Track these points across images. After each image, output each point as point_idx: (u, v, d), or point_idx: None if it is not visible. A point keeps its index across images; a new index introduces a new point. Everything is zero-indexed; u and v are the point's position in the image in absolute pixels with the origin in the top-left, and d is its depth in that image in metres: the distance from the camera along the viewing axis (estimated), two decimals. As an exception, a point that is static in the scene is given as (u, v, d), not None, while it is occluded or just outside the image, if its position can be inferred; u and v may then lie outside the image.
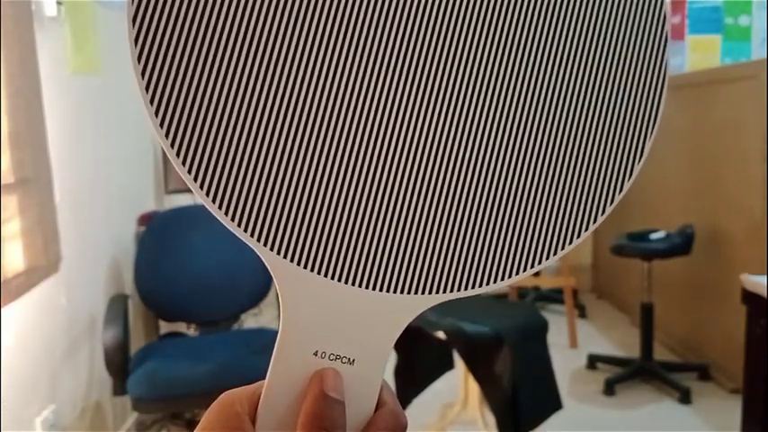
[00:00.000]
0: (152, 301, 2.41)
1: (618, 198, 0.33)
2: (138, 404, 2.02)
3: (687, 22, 4.38)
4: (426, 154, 0.31)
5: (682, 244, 2.87)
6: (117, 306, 2.15)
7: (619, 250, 2.97)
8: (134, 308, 2.45)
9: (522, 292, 4.04)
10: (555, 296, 4.01)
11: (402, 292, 0.31)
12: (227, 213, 0.31)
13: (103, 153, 2.39)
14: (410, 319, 0.32)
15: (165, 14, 0.30)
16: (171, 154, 0.30)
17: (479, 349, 2.02)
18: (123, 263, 2.52)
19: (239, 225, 0.31)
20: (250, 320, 3.03)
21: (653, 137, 0.33)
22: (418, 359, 2.23)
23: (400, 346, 2.20)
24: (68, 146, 2.11)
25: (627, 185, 0.33)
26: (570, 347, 3.38)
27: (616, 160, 0.33)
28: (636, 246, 2.93)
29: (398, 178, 0.31)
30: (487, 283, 0.32)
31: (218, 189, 0.30)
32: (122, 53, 2.28)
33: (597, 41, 0.32)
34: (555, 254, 0.32)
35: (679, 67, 4.38)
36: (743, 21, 4.36)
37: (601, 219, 0.33)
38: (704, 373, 2.94)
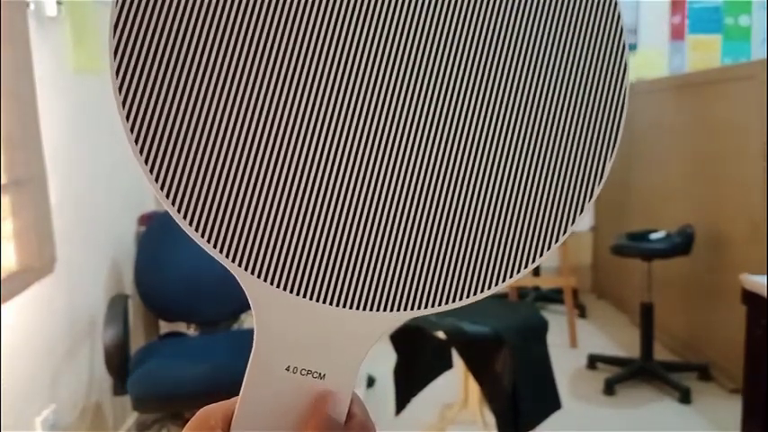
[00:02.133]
0: (152, 301, 2.41)
1: (586, 206, 0.33)
2: (138, 404, 2.02)
3: (687, 22, 4.38)
4: (395, 175, 0.32)
5: (682, 244, 2.87)
6: (117, 306, 2.15)
7: (619, 250, 2.97)
8: (134, 308, 2.45)
9: (522, 292, 4.04)
10: (555, 296, 4.01)
11: (370, 309, 0.32)
12: (200, 233, 0.31)
13: (104, 153, 2.39)
14: (380, 335, 0.32)
15: (143, 38, 0.31)
16: (150, 179, 0.31)
17: (479, 349, 2.02)
18: (123, 263, 2.52)
19: (213, 245, 0.31)
20: (250, 320, 3.03)
21: (612, 158, 0.33)
22: (418, 359, 2.23)
23: (400, 345, 2.20)
24: (69, 146, 2.11)
25: (593, 196, 0.33)
26: (570, 347, 3.38)
27: (578, 178, 0.33)
28: (636, 246, 2.93)
29: (365, 200, 0.32)
30: (454, 300, 0.32)
31: (192, 209, 0.31)
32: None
33: (558, 61, 0.33)
34: (525, 267, 0.33)
35: (679, 67, 4.38)
36: (743, 21, 4.36)
37: (571, 229, 0.33)
38: (704, 373, 2.95)
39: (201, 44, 0.31)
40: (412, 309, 0.32)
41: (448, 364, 2.34)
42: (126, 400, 2.08)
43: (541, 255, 0.33)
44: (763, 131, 2.56)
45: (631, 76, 4.38)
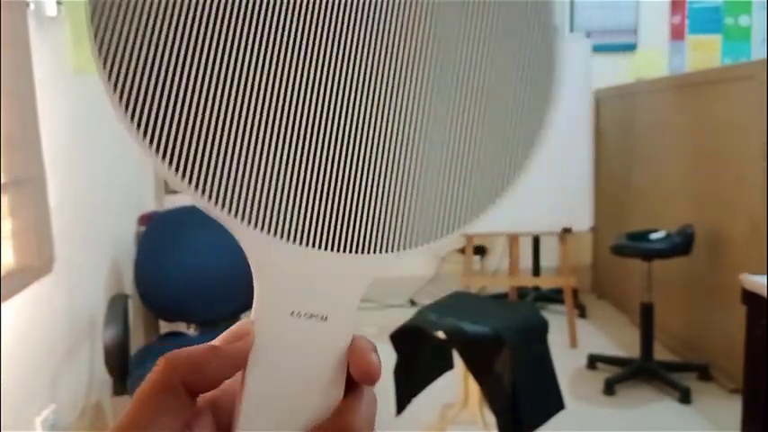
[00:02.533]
0: (152, 301, 2.41)
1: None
2: (138, 404, 2.02)
3: (687, 22, 4.38)
4: (373, 124, 0.34)
5: (682, 244, 2.87)
6: (117, 306, 2.15)
7: (619, 250, 2.97)
8: (134, 308, 2.45)
9: (522, 292, 4.04)
10: (555, 296, 4.01)
11: (357, 252, 0.34)
12: (193, 185, 0.32)
13: (104, 153, 2.39)
14: (371, 277, 0.35)
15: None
16: (136, 134, 0.32)
17: (479, 349, 2.02)
18: (123, 263, 2.52)
19: (204, 194, 0.32)
20: (250, 320, 3.03)
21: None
22: (418, 359, 2.23)
23: (400, 346, 2.20)
24: (69, 146, 2.11)
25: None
26: (570, 347, 3.38)
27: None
28: (636, 246, 2.93)
29: (347, 148, 0.34)
30: (431, 240, 0.35)
31: (183, 161, 0.32)
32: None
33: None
34: (493, 202, 0.36)
35: (679, 67, 4.38)
36: (743, 21, 4.36)
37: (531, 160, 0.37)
38: (704, 373, 2.95)
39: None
40: (393, 250, 0.34)
41: (448, 365, 2.34)
42: (126, 400, 2.08)
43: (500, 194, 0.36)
44: (763, 131, 2.56)
45: (631, 76, 4.38)
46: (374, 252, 0.34)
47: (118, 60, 0.32)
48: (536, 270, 4.23)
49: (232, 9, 0.33)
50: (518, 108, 0.37)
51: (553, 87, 0.38)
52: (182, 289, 2.40)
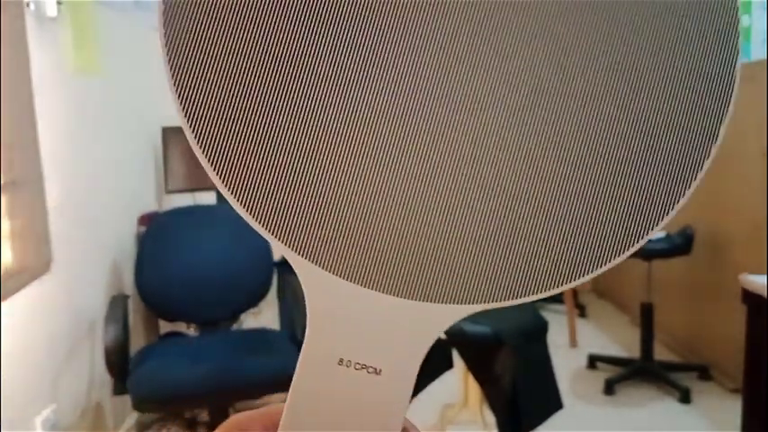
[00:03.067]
0: (152, 301, 2.40)
1: (670, 215, 0.32)
2: (138, 404, 2.02)
3: (687, 22, 4.38)
4: (466, 163, 0.30)
5: (682, 244, 2.87)
6: (117, 306, 2.15)
7: (619, 250, 2.96)
8: (134, 308, 2.45)
9: (522, 292, 4.04)
10: (555, 296, 4.01)
11: (433, 300, 0.30)
12: (258, 220, 0.30)
13: (104, 153, 2.39)
14: (442, 330, 0.31)
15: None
16: (205, 164, 0.30)
17: (479, 349, 2.02)
18: (123, 263, 2.52)
19: (270, 231, 0.30)
20: (250, 320, 3.03)
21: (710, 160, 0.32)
22: (418, 359, 2.23)
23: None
24: (69, 146, 2.11)
25: (682, 202, 0.32)
26: (570, 347, 3.38)
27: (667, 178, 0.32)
28: (636, 246, 2.93)
29: (433, 184, 0.30)
30: (517, 297, 0.31)
31: (249, 194, 0.30)
32: (122, 53, 2.28)
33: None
34: (600, 268, 0.31)
35: (679, 67, 4.38)
36: (743, 21, 4.36)
37: (653, 232, 0.32)
38: (704, 373, 2.95)
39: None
40: (473, 303, 0.30)
41: (448, 364, 2.34)
42: (126, 400, 2.08)
43: (621, 255, 0.31)
44: (763, 131, 2.56)
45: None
46: (457, 303, 0.30)
47: (202, 116, 0.30)
48: (536, 270, 4.23)
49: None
50: (672, 157, 0.32)
51: (720, 128, 0.32)
52: (182, 289, 2.40)
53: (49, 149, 1.94)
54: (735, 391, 2.73)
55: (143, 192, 2.86)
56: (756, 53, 4.33)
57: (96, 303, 2.25)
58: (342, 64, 0.30)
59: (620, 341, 3.47)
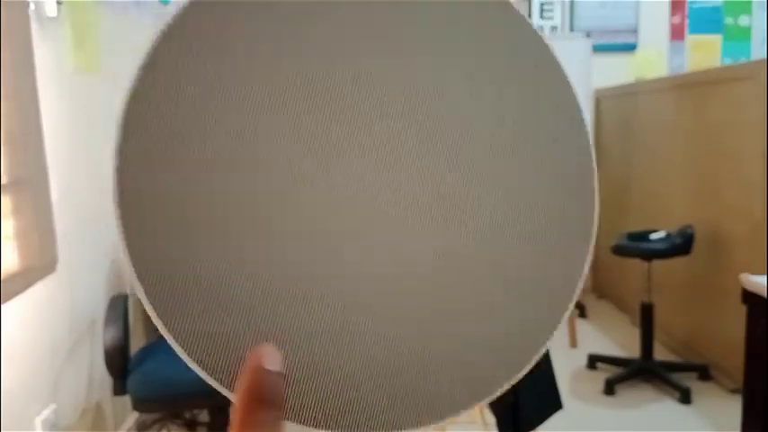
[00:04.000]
0: (152, 301, 2.40)
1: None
2: (138, 404, 2.02)
3: (687, 22, 4.38)
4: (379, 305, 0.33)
5: (682, 244, 2.88)
6: (117, 306, 2.15)
7: (619, 250, 2.97)
8: (134, 308, 2.45)
9: (522, 292, 4.04)
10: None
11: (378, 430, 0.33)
12: (213, 376, 0.33)
13: (104, 153, 2.39)
14: None
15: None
16: (164, 331, 0.33)
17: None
18: (123, 263, 2.52)
19: (225, 386, 0.33)
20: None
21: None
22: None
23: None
24: (69, 145, 2.11)
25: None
26: (570, 347, 3.38)
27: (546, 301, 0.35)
28: (636, 246, 2.93)
29: (353, 344, 0.33)
30: (437, 419, 0.34)
31: (207, 359, 0.33)
32: (122, 53, 2.28)
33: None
34: (502, 386, 0.34)
35: (679, 67, 4.39)
36: (743, 21, 4.36)
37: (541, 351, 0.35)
38: (704, 373, 2.95)
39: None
40: (404, 429, 0.34)
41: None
42: (126, 400, 2.08)
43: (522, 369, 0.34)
44: (763, 131, 2.57)
45: (631, 76, 4.38)
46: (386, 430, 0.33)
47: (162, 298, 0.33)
48: (536, 270, 4.23)
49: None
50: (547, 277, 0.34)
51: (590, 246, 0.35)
52: (182, 289, 2.39)
53: (49, 149, 1.94)
54: (735, 391, 2.73)
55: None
56: (756, 53, 4.33)
57: (96, 303, 2.25)
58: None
59: (620, 341, 3.47)
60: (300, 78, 0.32)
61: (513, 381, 0.34)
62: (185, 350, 0.33)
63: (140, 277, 0.33)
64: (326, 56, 0.33)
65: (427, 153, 0.33)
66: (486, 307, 0.34)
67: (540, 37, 0.34)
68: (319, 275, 0.33)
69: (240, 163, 0.32)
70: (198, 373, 0.34)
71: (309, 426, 0.33)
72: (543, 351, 0.35)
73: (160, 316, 0.33)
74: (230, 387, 0.33)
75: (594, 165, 0.34)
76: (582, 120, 0.34)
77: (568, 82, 0.34)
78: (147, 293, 0.33)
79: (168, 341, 0.33)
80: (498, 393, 0.34)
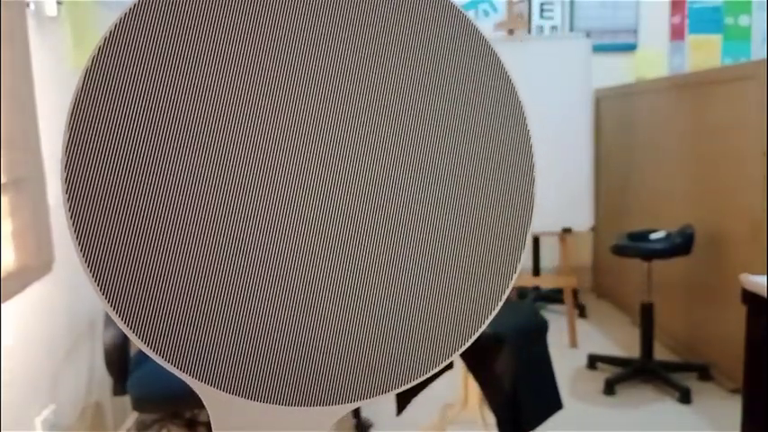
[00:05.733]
0: (152, 301, 2.40)
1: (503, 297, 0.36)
2: (138, 404, 2.02)
3: (687, 22, 4.38)
4: (320, 278, 0.35)
5: (682, 244, 2.87)
6: (117, 306, 2.15)
7: (619, 250, 2.97)
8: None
9: (521, 292, 4.04)
10: (555, 296, 4.01)
11: (312, 405, 0.35)
12: (158, 353, 0.35)
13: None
14: (328, 427, 0.35)
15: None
16: (106, 306, 0.34)
17: (479, 349, 2.02)
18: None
19: (168, 360, 0.35)
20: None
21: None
22: (418, 359, 2.23)
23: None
24: (68, 146, 2.11)
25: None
26: (570, 347, 3.38)
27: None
28: (636, 246, 2.93)
29: (300, 310, 0.35)
30: (381, 392, 0.35)
31: (149, 333, 0.34)
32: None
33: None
34: (446, 359, 0.36)
35: (679, 67, 4.39)
36: (743, 21, 4.36)
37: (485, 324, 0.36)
38: (704, 373, 2.95)
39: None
40: (347, 402, 0.35)
41: (449, 365, 2.34)
42: (126, 400, 2.08)
43: (462, 346, 0.35)
44: (763, 131, 2.56)
45: (631, 76, 4.38)
46: (332, 404, 0.35)
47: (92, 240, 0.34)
48: (536, 270, 4.23)
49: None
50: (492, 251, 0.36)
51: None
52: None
53: (48, 149, 1.94)
54: (735, 391, 2.73)
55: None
56: (756, 53, 4.33)
57: (96, 303, 2.25)
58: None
59: (620, 341, 3.47)
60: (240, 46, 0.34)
61: (460, 350, 0.35)
62: (132, 330, 0.34)
63: (88, 260, 0.34)
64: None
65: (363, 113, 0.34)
66: (431, 281, 0.35)
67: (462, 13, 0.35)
68: (263, 243, 0.34)
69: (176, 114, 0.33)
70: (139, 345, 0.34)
71: (270, 403, 0.34)
72: (487, 323, 0.35)
73: (105, 294, 0.34)
74: (176, 363, 0.34)
75: (529, 127, 0.35)
76: (514, 89, 0.35)
77: (494, 51, 0.35)
78: (95, 277, 0.34)
79: (115, 320, 0.34)
80: (444, 364, 0.35)
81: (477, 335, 0.35)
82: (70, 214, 0.33)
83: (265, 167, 0.34)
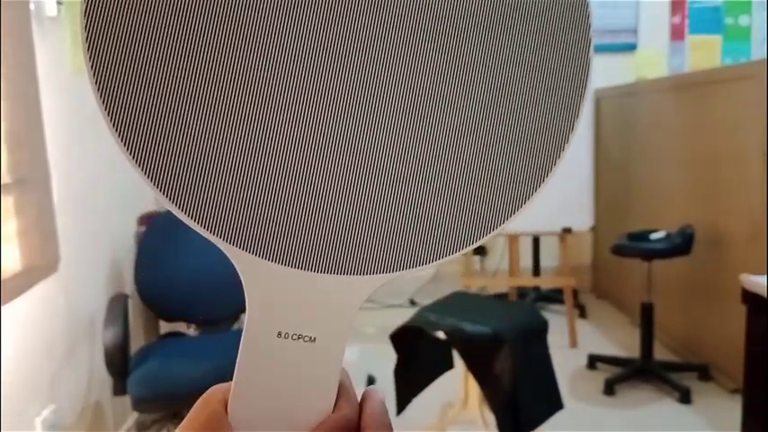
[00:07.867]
0: (152, 301, 2.40)
1: (553, 171, 0.36)
2: (138, 404, 2.02)
3: (687, 22, 4.38)
4: (365, 144, 0.33)
5: (682, 244, 2.87)
6: (117, 306, 2.15)
7: (619, 250, 2.97)
8: (134, 308, 2.45)
9: (521, 292, 4.04)
10: (555, 296, 4.01)
11: (348, 273, 0.34)
12: (187, 213, 0.33)
13: (104, 153, 2.39)
14: (364, 298, 0.34)
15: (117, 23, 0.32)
16: (137, 169, 0.34)
17: (479, 349, 2.02)
18: (123, 263, 2.52)
19: (201, 224, 0.33)
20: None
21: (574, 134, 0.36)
22: (418, 359, 2.23)
23: (400, 346, 2.20)
24: (68, 146, 2.11)
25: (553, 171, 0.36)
26: (570, 347, 3.38)
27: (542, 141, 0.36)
28: (636, 246, 2.93)
29: (337, 174, 0.33)
30: (427, 262, 0.34)
31: (177, 191, 0.33)
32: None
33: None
34: (492, 230, 0.34)
35: (679, 67, 4.38)
36: (743, 21, 4.36)
37: (531, 199, 0.35)
38: (704, 373, 2.95)
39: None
40: (387, 272, 0.34)
41: (448, 365, 2.34)
42: (126, 400, 2.08)
43: (512, 215, 0.34)
44: (763, 131, 2.56)
45: (631, 76, 4.38)
46: (369, 273, 0.34)
47: (112, 87, 0.33)
48: (536, 270, 4.23)
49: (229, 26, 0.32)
50: (539, 125, 0.35)
51: (582, 100, 0.36)
52: (182, 289, 2.40)
53: (49, 149, 1.94)
54: (735, 391, 2.73)
55: (143, 192, 2.86)
56: (756, 53, 4.33)
57: (96, 303, 2.25)
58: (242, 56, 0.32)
59: (620, 341, 3.47)
60: None
61: (516, 214, 0.34)
62: (134, 157, 0.33)
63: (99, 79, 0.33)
64: None
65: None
66: (485, 141, 0.33)
67: None
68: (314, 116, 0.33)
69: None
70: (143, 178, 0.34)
71: (304, 269, 0.33)
72: (539, 191, 0.35)
73: (115, 126, 0.33)
74: (203, 223, 0.33)
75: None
76: None
77: None
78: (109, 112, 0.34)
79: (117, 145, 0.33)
80: (493, 234, 0.34)
81: (526, 204, 0.34)
82: (89, 55, 0.32)
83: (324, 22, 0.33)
